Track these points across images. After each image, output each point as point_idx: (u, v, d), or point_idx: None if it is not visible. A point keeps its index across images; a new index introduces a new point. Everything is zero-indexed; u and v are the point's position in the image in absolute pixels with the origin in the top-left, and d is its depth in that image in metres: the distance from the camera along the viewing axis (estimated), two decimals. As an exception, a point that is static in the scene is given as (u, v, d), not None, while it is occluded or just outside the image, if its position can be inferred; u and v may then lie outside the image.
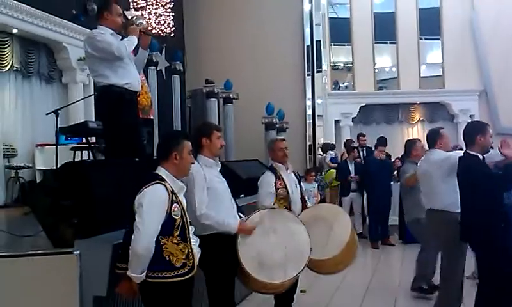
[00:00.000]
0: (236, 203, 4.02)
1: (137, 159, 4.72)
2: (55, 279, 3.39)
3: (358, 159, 10.27)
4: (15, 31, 8.62)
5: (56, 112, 6.40)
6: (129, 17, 5.27)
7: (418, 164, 5.45)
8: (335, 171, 10.91)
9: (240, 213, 3.98)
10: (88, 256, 3.40)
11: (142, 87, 5.79)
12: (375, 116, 18.19)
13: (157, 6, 12.35)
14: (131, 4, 11.70)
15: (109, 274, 3.31)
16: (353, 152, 10.32)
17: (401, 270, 7.06)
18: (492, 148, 4.64)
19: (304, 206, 4.78)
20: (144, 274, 2.98)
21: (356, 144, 11.20)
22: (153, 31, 11.68)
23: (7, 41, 8.57)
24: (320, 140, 14.82)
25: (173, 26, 12.73)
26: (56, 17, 9.06)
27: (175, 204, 3.08)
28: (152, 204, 3.00)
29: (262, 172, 4.86)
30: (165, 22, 12.46)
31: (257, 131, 12.29)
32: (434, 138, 5.02)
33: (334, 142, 14.68)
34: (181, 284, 3.07)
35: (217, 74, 12.39)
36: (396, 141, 14.03)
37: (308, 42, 14.37)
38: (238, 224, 3.73)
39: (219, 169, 3.93)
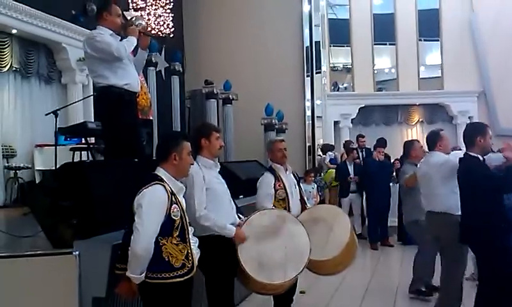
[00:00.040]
0: (235, 204, 4.02)
1: (136, 160, 4.71)
2: (54, 280, 3.39)
3: (357, 160, 10.27)
4: (14, 31, 8.62)
5: (55, 112, 6.40)
6: (128, 18, 5.26)
7: (418, 165, 5.46)
8: (334, 170, 10.91)
9: (239, 214, 3.98)
10: (87, 256, 3.40)
11: (141, 87, 5.81)
12: (374, 117, 18.18)
13: (157, 7, 12.34)
14: (130, 4, 11.70)
15: (109, 274, 3.30)
16: (352, 153, 10.32)
17: (400, 271, 7.06)
18: (493, 151, 4.65)
19: (303, 207, 4.78)
20: (143, 274, 2.98)
21: (355, 146, 11.21)
22: (153, 32, 11.68)
23: (6, 41, 8.57)
24: (319, 141, 14.82)
25: (173, 27, 12.72)
26: (55, 18, 9.05)
27: (174, 205, 3.08)
28: (151, 205, 3.00)
29: (261, 173, 4.86)
30: (164, 23, 12.45)
31: (256, 132, 12.30)
32: (434, 140, 5.02)
33: (333, 144, 14.67)
34: (180, 285, 3.07)
35: (217, 75, 12.39)
36: (395, 142, 14.00)
37: (307, 43, 14.37)
38: (235, 230, 3.73)
39: (219, 170, 3.93)
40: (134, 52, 4.94)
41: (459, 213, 4.51)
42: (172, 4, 12.83)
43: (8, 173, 8.55)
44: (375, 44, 17.96)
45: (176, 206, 3.10)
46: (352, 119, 17.67)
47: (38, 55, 9.29)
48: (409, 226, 6.33)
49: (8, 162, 8.63)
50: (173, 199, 3.10)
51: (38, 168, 8.59)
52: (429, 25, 17.85)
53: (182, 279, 3.07)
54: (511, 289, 4.09)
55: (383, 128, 17.38)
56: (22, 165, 8.60)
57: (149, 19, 11.88)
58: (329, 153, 12.63)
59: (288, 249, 3.81)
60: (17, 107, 9.00)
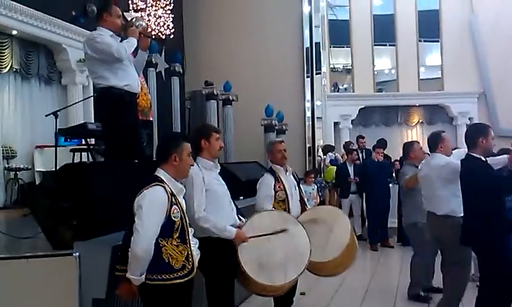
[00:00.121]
0: (236, 205, 4.02)
1: (136, 161, 4.71)
2: (54, 281, 3.39)
3: (357, 161, 10.27)
4: (14, 32, 8.62)
5: (55, 113, 6.39)
6: (129, 19, 5.27)
7: (419, 167, 5.46)
8: (334, 167, 10.95)
9: (240, 216, 3.98)
10: (87, 258, 3.40)
11: (141, 89, 5.79)
12: (374, 118, 18.17)
13: (157, 8, 12.35)
14: (131, 5, 11.70)
15: (109, 276, 3.30)
16: (351, 155, 10.34)
17: (400, 273, 7.06)
18: (493, 152, 4.65)
19: (303, 208, 4.78)
20: (143, 276, 2.98)
21: (355, 147, 11.22)
22: (153, 33, 11.69)
23: (6, 42, 8.57)
24: (319, 142, 14.82)
25: (173, 28, 12.73)
26: (55, 19, 9.05)
27: (174, 206, 3.08)
28: (151, 206, 3.00)
29: (261, 174, 4.86)
30: (164, 24, 12.46)
31: (256, 133, 12.29)
32: (435, 141, 5.02)
33: (333, 145, 14.67)
34: (180, 287, 3.07)
35: (217, 76, 12.39)
36: (395, 143, 14.02)
37: (307, 44, 14.36)
38: (235, 232, 3.72)
39: (219, 171, 3.93)
40: (134, 53, 4.94)
41: (461, 215, 4.51)
42: (172, 5, 12.84)
43: (8, 174, 8.54)
44: (375, 45, 17.96)
45: (177, 207, 3.10)
46: (352, 120, 17.67)
47: (38, 56, 9.29)
48: (408, 228, 6.32)
49: (8, 163, 8.62)
50: (173, 200, 3.09)
51: (38, 169, 8.59)
52: (429, 26, 17.85)
53: (182, 280, 3.06)
54: (511, 289, 4.09)
55: (383, 129, 17.38)
56: (22, 166, 8.60)
57: (149, 20, 11.88)
58: (330, 153, 12.65)
59: (288, 250, 3.81)
60: (17, 108, 8.99)
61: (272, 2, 14.15)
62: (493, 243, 4.10)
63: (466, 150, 4.46)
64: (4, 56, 8.51)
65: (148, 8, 12.09)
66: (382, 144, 10.01)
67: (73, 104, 8.51)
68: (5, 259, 3.52)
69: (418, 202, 5.56)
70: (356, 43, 17.91)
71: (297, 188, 4.82)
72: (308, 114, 14.25)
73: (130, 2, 11.70)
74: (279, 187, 4.59)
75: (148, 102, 8.24)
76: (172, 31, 12.71)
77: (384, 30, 17.91)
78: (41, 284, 3.38)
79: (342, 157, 12.07)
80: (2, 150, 8.54)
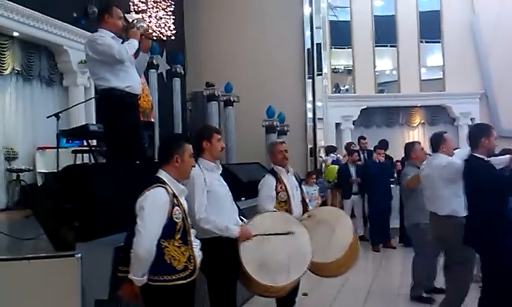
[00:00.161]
0: (237, 206, 4.02)
1: (138, 162, 4.72)
2: (57, 283, 3.39)
3: (359, 162, 10.27)
4: (15, 34, 8.63)
5: (56, 115, 6.40)
6: (130, 20, 5.27)
7: (421, 167, 5.45)
8: (335, 166, 10.97)
9: (241, 217, 3.98)
10: (90, 259, 3.40)
11: (143, 90, 5.80)
12: (376, 119, 18.19)
13: (158, 9, 12.36)
14: (132, 7, 11.71)
15: (111, 277, 3.31)
16: (352, 156, 10.35)
17: (402, 273, 7.04)
18: (494, 153, 4.64)
19: (305, 209, 4.78)
20: (145, 277, 2.98)
21: (356, 147, 11.21)
22: (154, 34, 11.69)
23: (8, 44, 8.58)
24: (320, 143, 14.82)
25: (174, 29, 12.74)
26: (56, 20, 9.06)
27: (176, 208, 3.08)
28: (153, 208, 3.00)
29: (263, 175, 4.86)
30: (165, 25, 12.47)
31: (258, 134, 12.28)
32: (437, 142, 5.03)
33: (335, 146, 14.68)
34: (183, 288, 3.07)
35: (218, 77, 12.38)
36: (397, 144, 14.01)
37: (308, 45, 14.36)
38: (240, 229, 3.72)
39: (220, 172, 3.93)
40: (136, 54, 4.95)
41: (463, 215, 4.51)
42: (173, 6, 12.85)
43: (9, 176, 8.55)
44: (376, 46, 17.98)
45: (178, 208, 3.10)
46: (353, 121, 17.68)
47: (39, 58, 9.30)
48: (409, 229, 6.30)
49: (9, 165, 8.63)
50: (175, 201, 3.10)
51: (39, 171, 8.60)
52: (430, 27, 17.87)
53: (184, 281, 3.06)
54: None
55: (385, 130, 17.40)
56: (23, 167, 8.61)
57: (150, 21, 11.89)
58: (332, 154, 12.64)
59: (290, 251, 3.80)
60: (19, 110, 9.00)
61: (273, 3, 14.14)
62: (496, 243, 4.10)
63: (469, 150, 4.46)
64: (5, 58, 8.52)
65: (149, 10, 12.10)
66: (383, 145, 10.01)
67: (75, 106, 8.51)
68: (7, 261, 3.52)
69: (420, 203, 5.55)
70: (357, 44, 17.93)
71: (298, 189, 4.82)
72: (310, 115, 14.25)
73: (131, 3, 11.71)
74: (280, 187, 4.60)
75: (150, 103, 8.27)
76: (173, 32, 12.72)
77: (385, 31, 17.94)
78: (44, 286, 3.39)
79: (343, 158, 12.06)
80: (4, 152, 8.56)
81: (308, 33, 14.38)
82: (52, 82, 9.67)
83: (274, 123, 12.31)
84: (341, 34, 18.13)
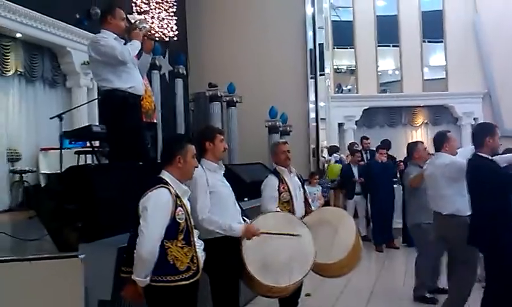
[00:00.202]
0: (240, 207, 4.02)
1: (141, 163, 4.72)
2: (60, 283, 3.39)
3: (362, 162, 10.27)
4: (18, 35, 8.65)
5: (59, 116, 6.42)
6: (132, 21, 5.28)
7: (425, 166, 5.45)
8: (338, 165, 10.98)
9: (244, 217, 3.98)
10: (93, 260, 3.41)
11: (145, 91, 5.81)
12: (378, 119, 18.18)
13: (160, 10, 12.38)
14: (134, 8, 11.73)
15: (114, 277, 3.31)
16: (353, 157, 10.35)
17: (406, 274, 7.04)
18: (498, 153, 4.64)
19: (307, 209, 4.78)
20: (148, 277, 2.98)
21: (359, 147, 11.21)
22: (156, 35, 11.70)
23: (11, 45, 8.60)
24: (323, 143, 14.82)
25: (176, 30, 12.75)
26: (59, 21, 9.08)
27: (179, 208, 3.08)
28: (156, 208, 3.00)
29: (266, 175, 4.86)
30: (168, 26, 12.49)
31: (260, 134, 12.28)
32: (441, 141, 5.03)
33: (338, 146, 14.68)
34: (186, 288, 3.07)
35: (221, 77, 12.38)
36: (400, 144, 14.01)
37: (311, 45, 14.35)
38: (243, 227, 3.72)
39: (223, 172, 3.93)
40: (138, 55, 4.96)
41: (467, 214, 4.51)
42: (175, 7, 12.86)
43: (13, 177, 8.57)
44: (378, 46, 17.98)
45: (181, 209, 3.10)
46: (356, 121, 17.68)
47: (42, 59, 9.32)
48: (412, 228, 6.29)
49: (13, 166, 8.65)
50: (178, 202, 3.10)
51: (43, 172, 8.62)
52: (433, 27, 17.86)
53: (187, 282, 3.07)
54: None
55: (387, 130, 17.39)
56: (27, 168, 8.63)
57: (152, 22, 11.91)
58: (335, 154, 12.63)
59: (293, 252, 3.80)
60: (22, 111, 9.02)
61: (276, 4, 14.14)
62: (500, 241, 4.08)
63: (472, 148, 4.45)
64: (8, 59, 8.55)
65: (151, 11, 12.12)
66: (385, 145, 10.00)
67: (78, 107, 8.54)
68: (11, 262, 3.53)
69: (423, 202, 5.55)
70: (359, 44, 17.93)
71: (301, 189, 4.82)
72: (312, 115, 14.24)
73: (133, 4, 11.73)
74: (283, 188, 4.60)
75: (152, 104, 8.29)
76: (175, 33, 12.74)
77: (387, 31, 17.93)
78: (47, 287, 3.39)
79: (346, 158, 12.06)
80: (7, 153, 8.58)
81: (310, 33, 14.37)
82: (55, 84, 9.70)
83: (277, 123, 12.31)
84: (343, 34, 18.13)
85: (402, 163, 9.49)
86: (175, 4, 12.90)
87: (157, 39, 10.84)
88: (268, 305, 4.85)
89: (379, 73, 18.23)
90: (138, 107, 5.04)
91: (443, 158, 4.92)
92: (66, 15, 9.24)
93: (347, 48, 18.42)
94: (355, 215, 9.52)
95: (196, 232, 3.25)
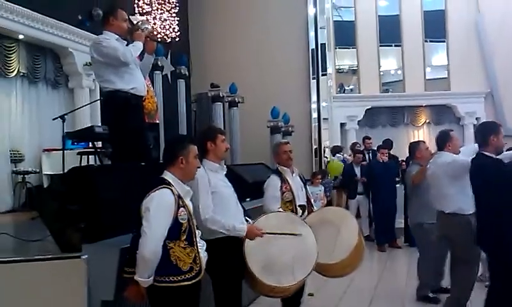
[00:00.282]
0: (243, 207, 4.02)
1: (143, 163, 4.73)
2: (63, 284, 3.40)
3: (364, 162, 10.27)
4: (21, 36, 8.66)
5: (62, 117, 6.44)
6: (134, 22, 5.30)
7: (428, 165, 5.44)
8: (340, 163, 11.00)
9: (247, 217, 3.99)
10: (96, 260, 3.41)
11: (148, 91, 5.82)
12: (380, 118, 18.16)
13: (162, 11, 12.38)
14: (136, 9, 11.74)
15: (117, 278, 3.32)
16: (355, 157, 10.36)
17: (408, 273, 7.03)
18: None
19: (309, 209, 4.78)
20: (151, 278, 2.99)
21: (361, 147, 11.21)
22: (158, 36, 11.71)
23: (13, 47, 8.62)
24: (325, 143, 14.81)
25: (178, 31, 12.76)
26: (61, 23, 9.09)
27: (181, 209, 3.09)
28: (158, 209, 3.01)
29: (268, 176, 4.86)
30: (170, 27, 12.49)
31: (263, 135, 12.29)
32: (444, 140, 5.03)
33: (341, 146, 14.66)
34: (188, 289, 3.07)
35: (223, 78, 12.39)
36: (402, 144, 14.00)
37: (312, 45, 14.35)
38: (247, 227, 3.72)
39: (225, 172, 3.93)
40: (141, 56, 4.97)
41: (470, 212, 4.50)
42: (177, 8, 12.87)
43: (16, 178, 8.58)
44: (380, 45, 17.96)
45: (184, 209, 3.11)
46: (358, 121, 17.66)
47: (44, 60, 9.33)
48: (414, 228, 6.26)
49: (15, 167, 8.66)
50: (181, 202, 3.10)
51: (45, 172, 8.63)
52: (435, 26, 17.82)
53: (189, 282, 3.07)
54: None
55: (390, 130, 17.37)
56: (29, 169, 8.64)
57: (155, 23, 11.92)
58: (338, 154, 12.63)
59: (295, 252, 3.81)
60: (25, 112, 9.03)
61: (278, 4, 14.15)
62: (505, 238, 4.04)
63: (476, 146, 4.44)
64: (11, 61, 8.56)
65: (153, 12, 12.13)
66: (387, 144, 10.00)
67: (80, 108, 8.55)
68: (14, 262, 3.54)
69: (425, 201, 5.55)
70: (361, 44, 17.91)
71: (303, 189, 4.82)
72: (314, 115, 14.24)
73: (135, 5, 11.74)
74: (286, 188, 4.60)
75: (155, 104, 8.30)
76: (178, 34, 12.73)
77: (389, 30, 17.90)
78: (50, 287, 3.40)
79: (349, 157, 12.06)
80: (10, 154, 8.59)
81: (312, 33, 14.37)
82: (57, 85, 9.71)
83: (279, 123, 12.31)
84: (345, 34, 18.11)
85: (404, 163, 9.49)
86: (177, 5, 12.90)
87: (159, 40, 10.85)
88: (271, 305, 4.85)
89: (381, 73, 18.21)
90: (140, 107, 5.06)
91: (445, 157, 4.92)
92: (68, 16, 9.27)
93: (349, 48, 18.40)
94: (357, 215, 9.53)
95: (198, 232, 3.25)
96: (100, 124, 6.97)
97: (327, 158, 13.69)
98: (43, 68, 9.29)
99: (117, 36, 4.73)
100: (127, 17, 4.94)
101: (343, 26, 18.21)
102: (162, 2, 12.41)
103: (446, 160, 4.86)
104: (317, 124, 14.18)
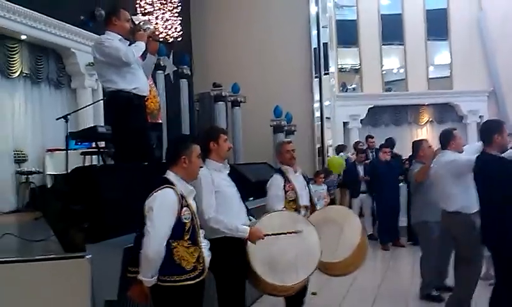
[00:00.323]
0: (246, 206, 4.03)
1: (146, 163, 4.74)
2: (66, 284, 3.40)
3: (366, 161, 10.26)
4: (23, 37, 8.69)
5: (65, 117, 6.44)
6: (136, 22, 5.29)
7: (432, 164, 5.43)
8: (340, 159, 11.00)
9: (250, 217, 3.99)
10: (99, 260, 3.41)
11: (150, 91, 5.82)
12: (383, 117, 18.12)
13: (164, 11, 12.40)
14: (138, 9, 11.76)
15: (120, 277, 3.32)
16: (358, 157, 10.36)
17: (412, 272, 7.03)
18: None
19: (312, 208, 4.78)
20: (155, 277, 3.00)
21: (364, 146, 11.20)
22: (161, 36, 11.72)
23: (16, 47, 8.64)
24: (328, 142, 14.80)
25: (180, 30, 12.77)
26: (64, 23, 9.12)
27: (184, 208, 3.10)
28: (162, 208, 3.01)
29: (271, 175, 4.86)
30: (172, 27, 12.51)
31: (265, 134, 12.29)
32: (447, 139, 5.03)
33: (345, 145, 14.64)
34: (192, 288, 3.08)
35: (225, 77, 12.39)
36: (405, 142, 13.94)
37: (315, 44, 14.34)
38: (249, 230, 3.72)
39: (228, 172, 3.94)
40: (143, 56, 4.97)
41: (473, 211, 4.49)
42: (179, 8, 12.88)
43: (19, 178, 8.61)
44: (383, 44, 17.89)
45: (187, 209, 3.12)
46: (361, 120, 17.62)
47: (47, 61, 9.36)
48: (417, 226, 6.22)
49: (19, 167, 8.69)
50: (184, 202, 3.11)
51: (49, 173, 8.65)
52: (437, 25, 17.76)
53: (193, 281, 3.08)
54: None
55: (393, 129, 17.33)
56: (33, 169, 8.67)
57: (157, 23, 11.93)
58: (342, 153, 12.63)
59: (299, 251, 3.80)
60: (28, 112, 9.06)
61: (280, 3, 14.15)
62: (508, 234, 4.03)
63: (480, 144, 4.43)
64: (14, 61, 8.58)
65: (155, 12, 12.14)
66: (389, 143, 9.99)
67: (83, 108, 8.57)
68: (17, 262, 3.55)
69: (428, 199, 5.54)
70: (364, 43, 17.85)
71: (307, 188, 4.82)
72: (317, 114, 14.24)
73: (138, 6, 11.76)
74: (289, 187, 4.60)
75: (157, 104, 8.29)
76: (180, 33, 12.76)
77: (392, 29, 17.84)
78: (54, 287, 3.40)
79: (352, 156, 12.04)
80: (14, 154, 8.62)
81: (314, 32, 14.36)
82: (60, 85, 9.73)
83: (282, 122, 12.31)
84: (348, 33, 18.05)
85: (406, 161, 9.49)
86: (179, 4, 12.92)
87: (161, 40, 10.86)
88: (274, 304, 4.86)
89: (384, 72, 18.17)
90: (143, 107, 5.06)
91: (447, 156, 4.92)
92: (70, 16, 9.28)
93: (351, 47, 18.35)
94: (361, 214, 9.52)
95: (201, 232, 3.26)
96: (103, 124, 6.98)
97: (329, 157, 13.68)
98: (46, 68, 9.31)
99: (120, 36, 4.73)
100: (129, 17, 4.94)
101: (345, 25, 18.16)
102: (165, 2, 12.44)
103: (449, 159, 4.85)
104: (319, 123, 14.17)
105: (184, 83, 11.62)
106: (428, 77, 17.88)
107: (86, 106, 8.62)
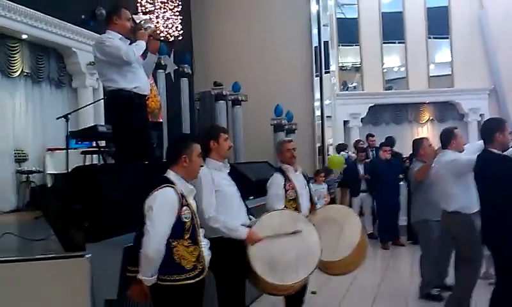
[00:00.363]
0: (246, 205, 4.03)
1: (146, 162, 4.74)
2: (66, 283, 3.41)
3: (367, 160, 10.26)
4: (24, 36, 8.69)
5: (66, 116, 6.45)
6: (137, 21, 5.30)
7: (433, 164, 5.43)
8: (340, 157, 11.00)
9: (250, 216, 3.99)
10: (99, 259, 3.42)
11: (151, 90, 5.83)
12: (384, 116, 18.10)
13: (165, 10, 12.39)
14: (139, 8, 11.75)
15: (120, 277, 3.33)
16: (358, 156, 10.36)
17: (412, 271, 7.03)
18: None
19: (312, 208, 4.78)
20: (155, 277, 3.00)
21: (365, 145, 11.19)
22: (162, 35, 11.72)
23: (17, 46, 8.64)
24: (329, 141, 14.79)
25: (181, 29, 12.77)
26: (65, 22, 9.11)
27: (184, 207, 3.10)
28: (162, 208, 3.02)
29: (271, 174, 4.86)
30: (173, 26, 12.51)
31: (266, 133, 12.28)
32: (448, 138, 5.03)
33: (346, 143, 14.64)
34: (192, 287, 3.08)
35: (226, 76, 12.38)
36: (406, 141, 13.91)
37: (315, 43, 14.31)
38: (247, 232, 3.72)
39: (228, 171, 3.94)
40: (144, 55, 4.98)
41: (473, 211, 4.49)
42: (180, 6, 12.87)
43: (19, 177, 8.61)
44: (384, 42, 17.87)
45: (187, 208, 3.12)
46: (362, 119, 17.60)
47: (48, 60, 9.36)
48: (417, 225, 6.20)
49: (19, 166, 8.70)
50: (184, 201, 3.11)
51: (49, 172, 8.66)
52: (438, 23, 17.73)
53: (193, 281, 3.08)
54: None
55: (393, 127, 17.32)
56: (33, 169, 8.67)
57: (158, 22, 11.93)
58: (343, 152, 12.63)
59: (298, 250, 3.80)
60: (28, 112, 9.06)
61: (280, 2, 14.13)
62: (509, 233, 4.02)
63: (481, 143, 4.43)
64: (15, 61, 8.58)
65: (156, 10, 12.14)
66: (389, 142, 9.98)
67: (84, 107, 8.57)
68: (18, 262, 3.55)
69: (428, 198, 5.54)
70: (364, 41, 17.83)
71: (307, 187, 4.82)
72: (318, 113, 14.21)
73: (138, 5, 11.76)
74: (289, 186, 4.60)
75: (158, 103, 8.31)
76: (181, 32, 12.75)
77: (393, 27, 17.81)
78: (54, 286, 3.41)
79: (354, 155, 12.04)
80: (14, 153, 8.62)
81: (315, 31, 14.33)
82: (61, 84, 9.73)
83: (282, 121, 12.30)
84: (348, 32, 18.03)
85: (407, 160, 9.49)
86: (180, 3, 12.92)
87: (162, 39, 10.86)
88: (274, 303, 4.87)
89: (385, 70, 18.15)
90: (143, 106, 5.06)
91: (448, 155, 4.92)
92: (71, 15, 9.29)
93: (352, 45, 18.33)
94: (361, 213, 9.53)
95: (201, 231, 3.26)
96: (103, 123, 6.99)
97: (330, 155, 13.68)
98: (47, 67, 9.31)
99: (120, 36, 4.74)
100: (130, 16, 4.94)
101: (346, 23, 18.15)
102: (165, 1, 12.43)
103: (449, 159, 4.85)
104: (320, 122, 14.15)
105: (184, 82, 11.61)
106: (429, 75, 17.86)
107: (87, 105, 8.62)
